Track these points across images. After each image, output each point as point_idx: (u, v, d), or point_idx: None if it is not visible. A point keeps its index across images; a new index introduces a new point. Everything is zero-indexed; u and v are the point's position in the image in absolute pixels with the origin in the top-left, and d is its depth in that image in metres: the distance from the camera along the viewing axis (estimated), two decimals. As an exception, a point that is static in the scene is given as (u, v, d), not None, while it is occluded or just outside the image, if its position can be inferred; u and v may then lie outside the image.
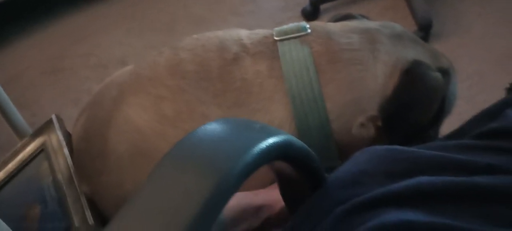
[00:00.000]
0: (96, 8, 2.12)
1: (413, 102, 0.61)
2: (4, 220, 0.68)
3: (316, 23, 0.67)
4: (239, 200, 0.57)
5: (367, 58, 0.62)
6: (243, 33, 0.67)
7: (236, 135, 0.36)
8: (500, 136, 0.45)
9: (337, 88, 0.61)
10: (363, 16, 0.75)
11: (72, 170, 0.73)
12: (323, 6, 1.78)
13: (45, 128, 0.78)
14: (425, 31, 1.55)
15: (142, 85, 0.66)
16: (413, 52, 0.63)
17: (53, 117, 0.78)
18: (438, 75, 0.62)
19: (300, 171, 0.44)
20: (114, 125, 0.66)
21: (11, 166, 0.75)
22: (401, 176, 0.43)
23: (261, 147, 0.35)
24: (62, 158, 0.74)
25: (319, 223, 0.42)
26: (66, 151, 0.74)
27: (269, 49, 0.63)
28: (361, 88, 0.61)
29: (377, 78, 0.61)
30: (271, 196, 0.57)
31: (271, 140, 0.36)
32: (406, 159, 0.45)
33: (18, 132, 1.30)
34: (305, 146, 0.42)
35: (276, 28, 0.66)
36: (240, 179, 0.33)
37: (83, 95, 1.71)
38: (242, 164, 0.33)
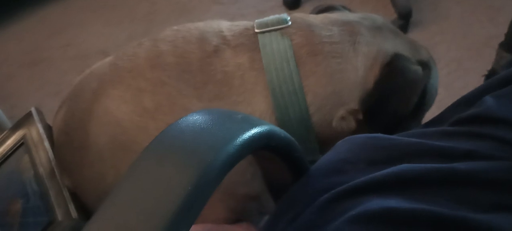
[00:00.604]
0: (75, 0, 2.09)
1: (393, 96, 0.62)
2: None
3: (297, 15, 0.67)
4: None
5: (348, 50, 0.62)
6: (224, 25, 0.67)
7: (218, 125, 0.36)
8: (479, 122, 0.46)
9: (317, 80, 0.61)
10: (345, 8, 0.76)
11: (53, 163, 0.71)
12: (304, -5, 1.78)
13: (24, 120, 0.77)
14: (405, 19, 1.56)
15: (121, 77, 0.65)
16: (393, 45, 0.64)
17: (33, 110, 0.77)
18: (418, 68, 0.63)
19: (283, 160, 0.44)
20: (95, 118, 0.66)
21: None
22: (382, 164, 0.43)
23: (243, 137, 0.35)
24: (43, 151, 0.72)
25: (302, 211, 0.42)
26: (47, 144, 0.73)
27: (250, 41, 0.63)
28: (342, 81, 0.61)
29: (357, 71, 0.61)
30: None
31: (253, 130, 0.36)
32: (387, 147, 0.46)
33: None
34: (288, 135, 0.42)
35: (257, 20, 0.66)
36: (223, 170, 0.33)
37: (63, 87, 1.68)
38: (225, 155, 0.33)
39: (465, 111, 0.49)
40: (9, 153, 0.74)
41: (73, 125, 0.68)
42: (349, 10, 0.76)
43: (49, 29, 1.97)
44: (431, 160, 0.42)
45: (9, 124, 1.27)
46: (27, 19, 2.03)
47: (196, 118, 0.36)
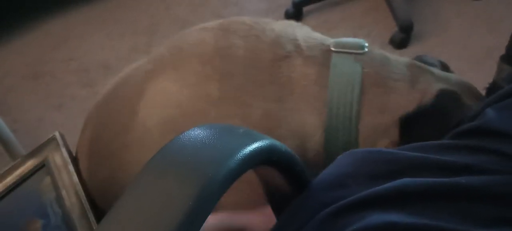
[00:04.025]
0: (76, 13, 2.10)
1: (429, 135, 0.63)
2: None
3: (375, 47, 0.67)
4: (221, 220, 0.57)
5: (406, 88, 0.63)
6: (299, 34, 0.67)
7: (220, 140, 0.36)
8: (479, 135, 0.46)
9: (371, 111, 0.62)
10: (442, 64, 0.75)
11: (78, 187, 0.72)
12: (305, 8, 1.79)
13: (47, 144, 0.77)
14: (406, 32, 1.57)
15: (186, 61, 0.65)
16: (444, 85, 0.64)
17: (57, 134, 0.78)
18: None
19: (284, 174, 0.44)
20: (146, 98, 0.65)
21: (9, 179, 0.74)
22: (383, 178, 0.43)
23: (245, 152, 0.35)
24: (67, 174, 0.73)
25: (304, 225, 0.42)
26: (71, 167, 0.73)
27: (322, 57, 0.64)
28: (393, 115, 0.62)
29: (408, 108, 0.62)
30: (252, 219, 0.57)
31: (254, 145, 0.36)
32: (388, 161, 0.46)
33: (10, 150, 1.29)
34: (289, 149, 0.42)
35: (336, 39, 0.66)
36: (224, 185, 0.33)
37: (66, 100, 1.68)
38: (226, 170, 0.33)
39: (466, 124, 0.49)
40: (29, 174, 0.75)
41: (117, 106, 0.68)
42: (447, 68, 0.74)
43: (51, 42, 1.98)
44: (432, 174, 0.42)
45: (22, 151, 1.29)
46: (29, 32, 2.05)
47: (197, 133, 0.36)
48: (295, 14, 1.77)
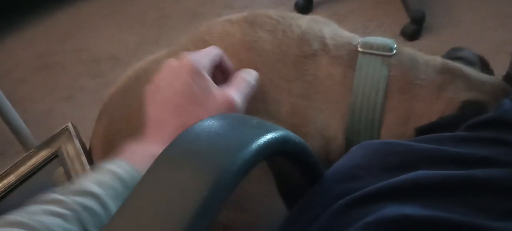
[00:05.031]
0: (85, 5, 2.11)
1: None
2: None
3: (406, 48, 0.65)
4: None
5: (432, 96, 0.61)
6: (327, 32, 0.65)
7: (233, 130, 0.36)
8: (495, 126, 0.45)
9: (395, 118, 0.61)
10: (482, 60, 0.71)
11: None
12: (315, 0, 1.78)
13: (60, 135, 0.78)
14: (418, 24, 1.55)
15: None
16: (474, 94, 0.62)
17: (69, 124, 0.78)
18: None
19: (298, 166, 0.44)
20: None
21: (23, 169, 0.74)
22: (397, 170, 0.43)
23: (258, 143, 0.34)
24: (80, 165, 0.73)
25: (317, 216, 0.42)
26: (84, 158, 0.74)
27: (349, 57, 0.62)
28: (415, 123, 0.61)
29: (431, 117, 0.60)
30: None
31: (268, 136, 0.36)
32: (401, 153, 0.45)
33: (22, 140, 1.31)
34: (302, 141, 0.42)
35: (364, 39, 0.65)
36: (238, 176, 0.32)
37: (75, 91, 1.69)
38: (240, 160, 0.33)
39: (480, 114, 0.48)
40: (42, 164, 0.76)
41: (136, 104, 0.67)
42: (487, 65, 0.71)
43: (60, 33, 1.99)
44: (446, 166, 0.41)
45: (34, 141, 1.30)
46: (39, 23, 2.06)
47: (211, 123, 0.36)
48: (305, 5, 1.76)
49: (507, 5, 1.64)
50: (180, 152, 0.34)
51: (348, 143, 0.61)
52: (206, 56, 0.55)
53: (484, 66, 0.71)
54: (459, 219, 0.36)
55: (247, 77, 0.57)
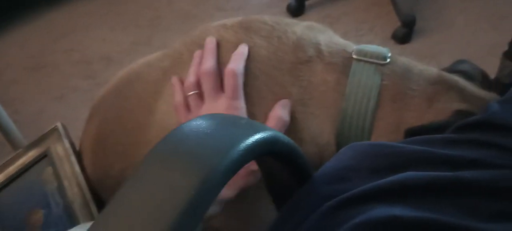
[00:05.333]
0: (78, 5, 2.10)
1: None
2: (3, 224, 0.66)
3: (401, 57, 0.65)
4: None
5: (423, 106, 0.60)
6: (322, 39, 0.65)
7: (222, 130, 0.36)
8: (483, 128, 0.46)
9: (385, 126, 0.60)
10: (483, 74, 0.70)
11: (80, 177, 0.72)
12: (308, 2, 1.79)
13: (49, 135, 0.77)
14: (408, 27, 1.56)
15: None
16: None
17: (59, 124, 0.77)
18: None
19: (286, 166, 0.44)
20: (164, 97, 0.65)
21: (11, 169, 0.74)
22: (386, 171, 0.43)
23: (247, 143, 0.34)
24: (69, 165, 0.73)
25: (305, 218, 0.42)
26: (73, 158, 0.73)
27: (343, 64, 0.62)
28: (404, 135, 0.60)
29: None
30: None
31: (257, 136, 0.36)
32: (390, 154, 0.45)
33: (11, 140, 1.30)
34: (291, 141, 0.42)
35: (358, 46, 0.65)
36: (226, 176, 0.32)
37: (67, 92, 1.68)
38: (229, 160, 0.33)
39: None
40: (31, 164, 0.75)
41: (129, 106, 0.67)
42: (487, 78, 0.71)
43: (53, 33, 1.98)
44: (435, 168, 0.42)
45: (24, 141, 1.29)
46: (31, 23, 2.05)
47: (200, 123, 0.36)
48: (297, 8, 1.77)
49: (499, 7, 1.65)
50: (168, 151, 0.34)
51: (338, 149, 0.61)
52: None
53: (485, 81, 0.71)
54: (447, 220, 0.37)
55: (282, 114, 0.58)
